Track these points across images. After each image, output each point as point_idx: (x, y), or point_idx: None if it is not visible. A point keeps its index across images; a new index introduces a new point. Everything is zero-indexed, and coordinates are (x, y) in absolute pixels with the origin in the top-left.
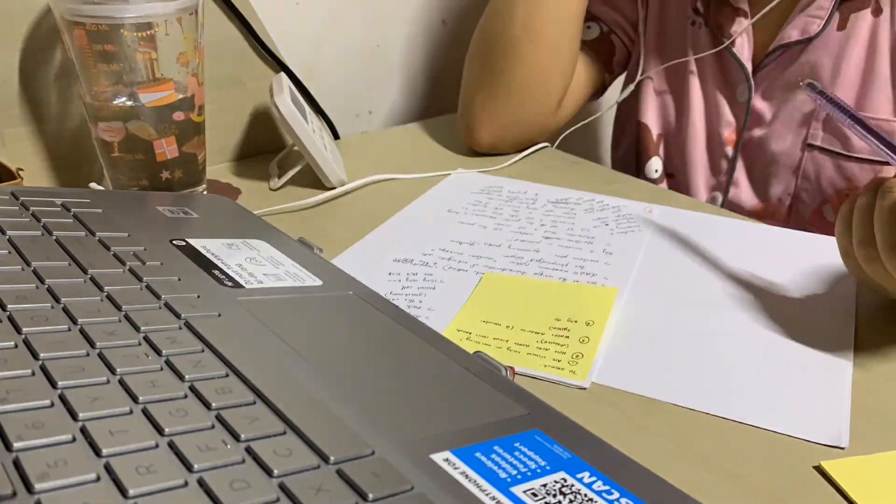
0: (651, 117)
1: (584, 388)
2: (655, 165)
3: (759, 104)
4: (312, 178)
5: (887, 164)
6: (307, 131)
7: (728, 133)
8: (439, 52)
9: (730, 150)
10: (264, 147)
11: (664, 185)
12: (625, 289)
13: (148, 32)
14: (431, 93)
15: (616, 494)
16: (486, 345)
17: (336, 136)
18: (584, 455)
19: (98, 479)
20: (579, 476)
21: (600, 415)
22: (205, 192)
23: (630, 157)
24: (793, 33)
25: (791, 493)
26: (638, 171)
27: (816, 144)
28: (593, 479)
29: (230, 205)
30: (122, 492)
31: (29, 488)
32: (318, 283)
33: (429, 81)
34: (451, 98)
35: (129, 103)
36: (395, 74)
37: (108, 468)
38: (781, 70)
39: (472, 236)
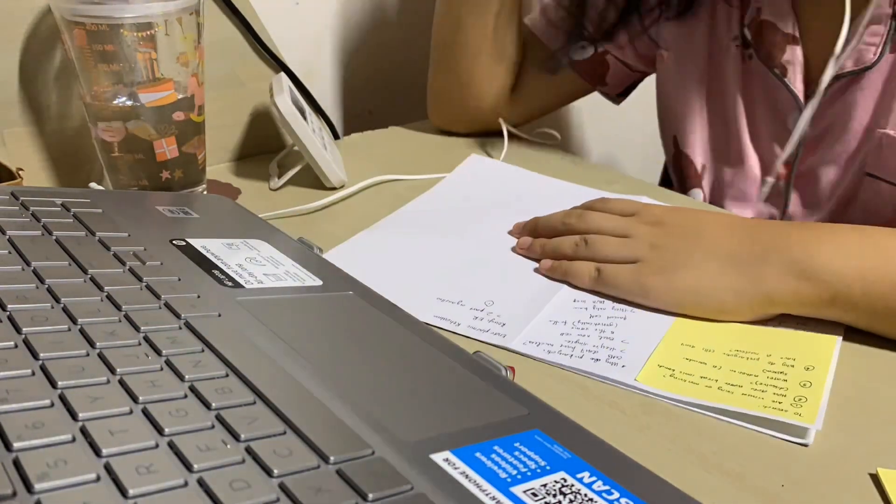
0: (693, 147)
1: (806, 445)
2: (697, 196)
3: (813, 133)
4: (312, 178)
5: None
6: (307, 131)
7: (779, 163)
8: None
9: (781, 183)
10: (264, 147)
11: None
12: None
13: (148, 32)
14: None
15: (616, 494)
16: (694, 383)
17: (336, 136)
18: (584, 455)
19: (98, 479)
20: (579, 476)
21: (600, 415)
22: (205, 192)
23: (671, 185)
24: (847, 63)
25: (791, 493)
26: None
27: (875, 174)
28: (593, 479)
29: (230, 205)
30: (122, 492)
31: (29, 488)
32: (318, 283)
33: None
34: None
35: (129, 103)
36: (395, 74)
37: (108, 468)
38: (836, 97)
39: None
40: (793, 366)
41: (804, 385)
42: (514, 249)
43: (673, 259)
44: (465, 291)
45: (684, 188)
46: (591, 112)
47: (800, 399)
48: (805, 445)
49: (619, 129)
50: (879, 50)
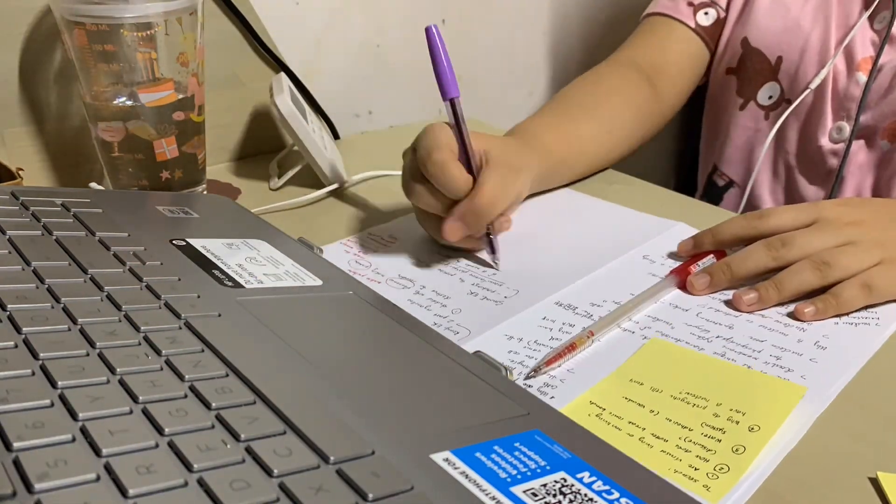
0: (765, 41)
1: None
2: (770, 91)
3: None
4: (312, 178)
5: None
6: (307, 131)
7: (861, 58)
8: None
9: (862, 76)
10: (264, 147)
11: (778, 112)
12: (823, 395)
13: (148, 32)
14: (431, 93)
15: (616, 494)
16: (617, 427)
17: (336, 136)
18: (584, 455)
19: (98, 479)
20: (579, 476)
21: None
22: (205, 192)
23: (727, 90)
24: None
25: (791, 494)
26: (741, 100)
27: None
28: (593, 479)
29: (230, 205)
30: (122, 492)
31: (29, 488)
32: (318, 283)
33: (429, 81)
34: None
35: (129, 103)
36: (395, 74)
37: (108, 468)
38: None
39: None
40: (738, 422)
41: (736, 451)
42: (691, 290)
43: None
44: (435, 296)
45: (753, 90)
46: None
47: (721, 468)
48: None
49: None
50: None
